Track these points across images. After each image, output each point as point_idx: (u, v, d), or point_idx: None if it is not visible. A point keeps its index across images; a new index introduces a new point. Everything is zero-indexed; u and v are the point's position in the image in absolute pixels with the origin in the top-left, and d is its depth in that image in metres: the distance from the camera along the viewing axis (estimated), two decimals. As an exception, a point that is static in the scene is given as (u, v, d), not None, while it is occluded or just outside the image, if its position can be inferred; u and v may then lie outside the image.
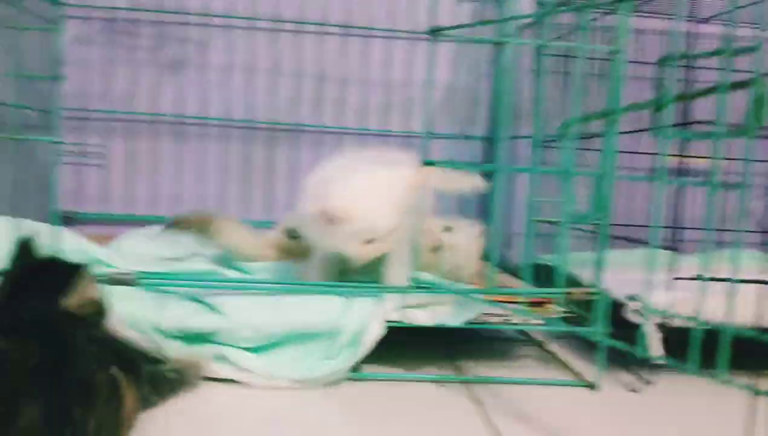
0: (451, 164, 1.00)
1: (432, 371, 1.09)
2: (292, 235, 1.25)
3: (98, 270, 0.96)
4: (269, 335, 1.00)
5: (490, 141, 1.71)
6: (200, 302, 1.03)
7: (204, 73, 1.66)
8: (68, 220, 1.57)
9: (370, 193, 1.03)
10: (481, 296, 1.10)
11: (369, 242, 1.03)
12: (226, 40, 1.66)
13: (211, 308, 1.02)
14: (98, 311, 0.84)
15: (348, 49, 1.69)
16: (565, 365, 1.18)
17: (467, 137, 1.42)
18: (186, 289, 1.05)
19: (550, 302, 1.14)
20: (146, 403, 0.84)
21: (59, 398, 0.65)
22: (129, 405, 0.74)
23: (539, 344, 1.29)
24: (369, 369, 1.06)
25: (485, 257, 1.43)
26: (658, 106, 0.65)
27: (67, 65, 1.58)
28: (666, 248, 1.15)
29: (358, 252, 1.04)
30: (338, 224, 1.00)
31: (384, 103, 1.71)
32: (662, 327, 1.06)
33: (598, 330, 0.99)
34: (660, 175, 0.65)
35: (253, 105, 1.68)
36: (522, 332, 1.36)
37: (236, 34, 1.66)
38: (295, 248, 1.27)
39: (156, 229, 1.51)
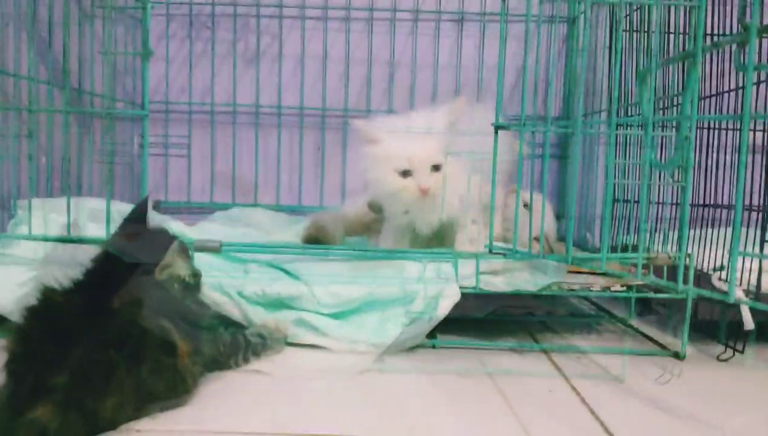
0: (527, 125, 0.99)
1: (509, 341, 1.09)
2: (375, 208, 1.26)
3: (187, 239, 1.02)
4: (348, 300, 1.02)
5: (565, 120, 1.68)
6: (281, 269, 1.06)
7: (279, 63, 1.71)
8: (154, 208, 1.64)
9: (404, 126, 1.10)
10: (559, 264, 1.08)
11: (404, 174, 1.06)
12: (299, 31, 1.70)
13: (292, 275, 1.05)
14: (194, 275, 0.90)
15: (419, 35, 1.70)
16: (648, 337, 1.15)
17: (539, 118, 1.39)
18: (267, 256, 1.08)
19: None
20: (216, 365, 0.89)
21: (104, 343, 0.70)
22: (183, 359, 0.77)
23: (620, 319, 1.26)
24: (445, 337, 1.06)
25: (561, 237, 1.41)
26: (742, 39, 0.63)
27: (151, 59, 1.66)
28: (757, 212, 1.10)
29: (395, 184, 1.07)
30: (372, 145, 1.09)
31: (454, 88, 1.71)
32: (749, 295, 1.02)
33: (688, 289, 0.95)
34: (745, 115, 0.63)
35: (327, 93, 1.72)
36: (601, 308, 1.33)
37: (309, 25, 1.71)
38: (376, 222, 1.28)
39: (234, 211, 1.57)
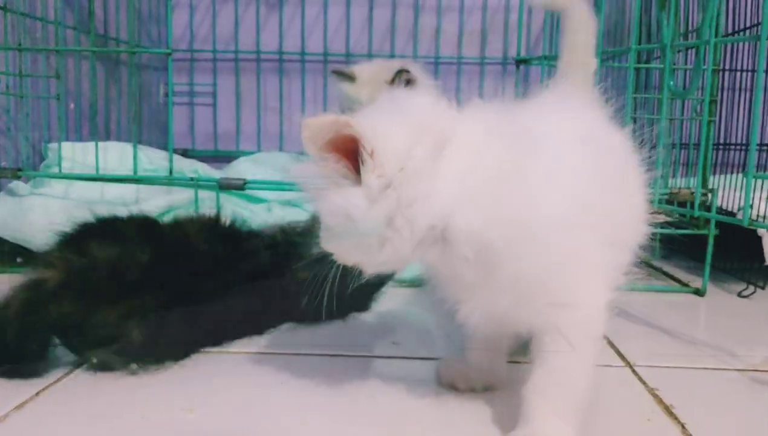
0: (548, 58, 0.97)
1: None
2: None
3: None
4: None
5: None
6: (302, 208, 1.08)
7: (302, 8, 1.69)
8: (182, 156, 1.67)
9: None
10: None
11: None
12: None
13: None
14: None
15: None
16: (670, 276, 1.15)
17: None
18: (290, 196, 1.10)
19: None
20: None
21: None
22: None
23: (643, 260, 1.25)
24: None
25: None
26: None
27: (175, 9, 1.68)
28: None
29: None
30: None
31: (480, 30, 1.68)
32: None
33: (711, 215, 0.94)
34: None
35: (351, 38, 1.70)
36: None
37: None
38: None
39: (260, 155, 1.58)
